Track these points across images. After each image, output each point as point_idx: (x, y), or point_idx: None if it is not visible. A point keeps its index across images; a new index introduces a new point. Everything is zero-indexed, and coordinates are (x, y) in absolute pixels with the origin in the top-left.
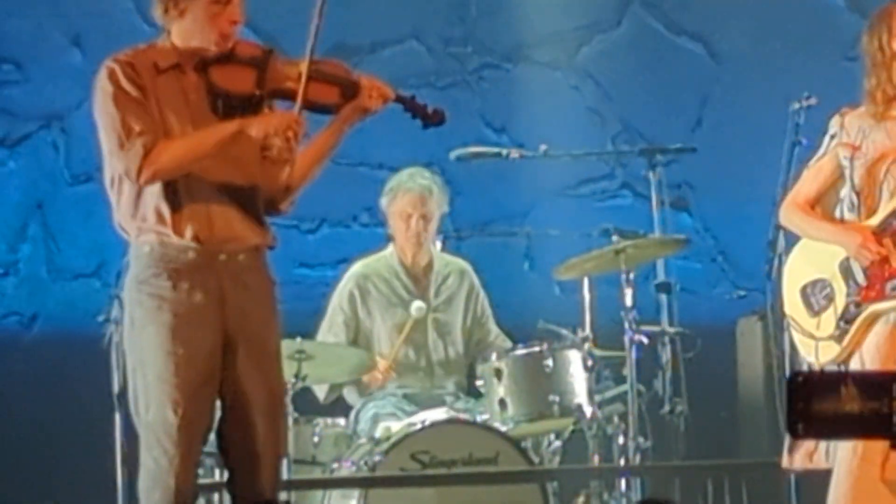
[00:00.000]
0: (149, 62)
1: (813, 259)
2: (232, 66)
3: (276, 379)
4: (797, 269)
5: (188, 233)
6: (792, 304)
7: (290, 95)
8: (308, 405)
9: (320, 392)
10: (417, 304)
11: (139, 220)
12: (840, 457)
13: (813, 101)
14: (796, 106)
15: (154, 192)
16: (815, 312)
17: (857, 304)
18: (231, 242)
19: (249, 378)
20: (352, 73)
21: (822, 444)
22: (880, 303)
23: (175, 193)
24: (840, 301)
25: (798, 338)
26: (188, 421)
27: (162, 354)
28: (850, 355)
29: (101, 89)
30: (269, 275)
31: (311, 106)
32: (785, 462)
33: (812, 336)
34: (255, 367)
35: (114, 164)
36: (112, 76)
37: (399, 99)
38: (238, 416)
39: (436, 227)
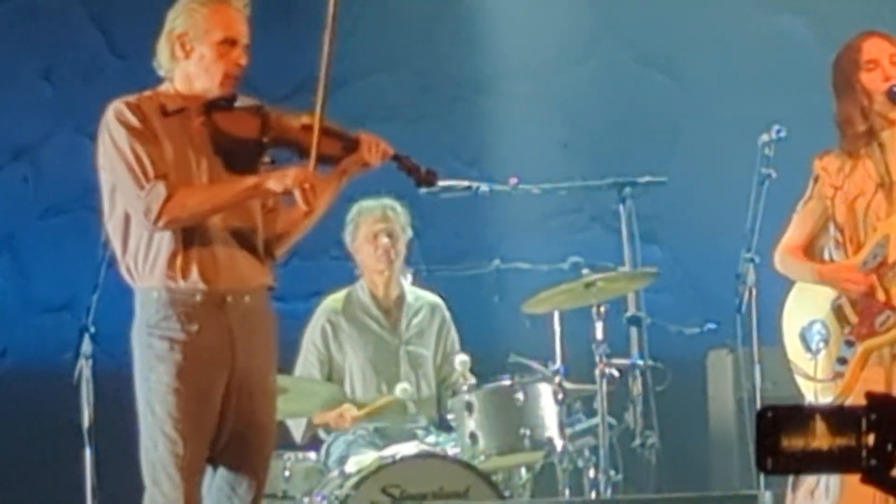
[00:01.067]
0: (155, 105)
1: (808, 301)
2: (237, 112)
3: (272, 418)
4: (794, 313)
5: (195, 276)
6: (792, 347)
7: (293, 145)
8: (279, 439)
9: (297, 432)
10: (402, 387)
11: (150, 263)
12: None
13: (782, 133)
14: (766, 138)
15: (162, 236)
16: (813, 355)
17: (851, 343)
18: (236, 284)
19: (248, 417)
20: (353, 131)
21: (823, 482)
22: (872, 339)
23: (181, 238)
24: (835, 341)
25: (799, 381)
26: (196, 456)
27: (172, 393)
28: (847, 396)
29: (113, 128)
30: (272, 314)
31: (318, 157)
32: (789, 499)
33: (812, 378)
34: (255, 406)
35: (131, 203)
36: (122, 116)
37: (396, 157)
38: (233, 453)
39: (403, 251)
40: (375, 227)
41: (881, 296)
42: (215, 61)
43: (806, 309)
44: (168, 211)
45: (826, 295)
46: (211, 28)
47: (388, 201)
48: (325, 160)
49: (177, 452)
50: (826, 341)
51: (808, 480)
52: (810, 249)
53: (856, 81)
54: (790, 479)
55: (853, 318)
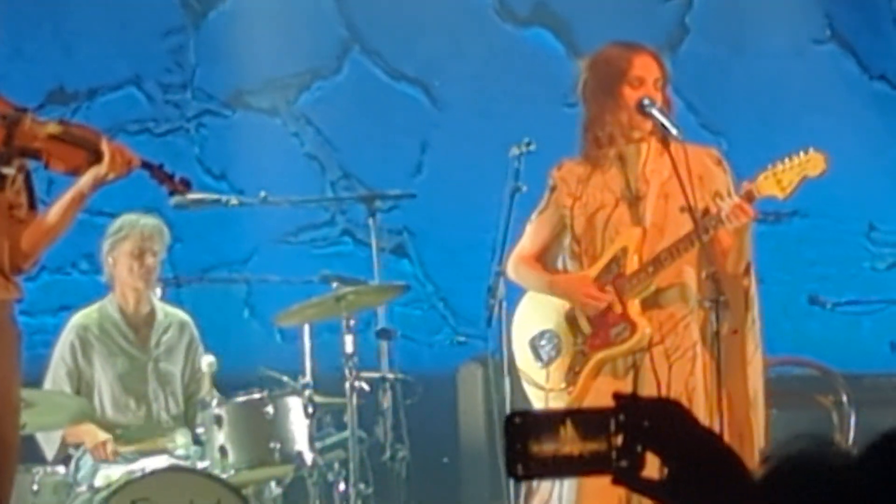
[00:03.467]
0: None
1: (540, 310)
2: None
3: (14, 433)
4: (525, 321)
5: None
6: (521, 356)
7: (36, 154)
8: (27, 453)
9: (48, 448)
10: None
11: None
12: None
13: (532, 146)
14: (516, 152)
15: None
16: (544, 364)
17: (584, 354)
18: None
19: None
20: (101, 138)
21: (556, 491)
22: (606, 350)
23: None
24: (567, 351)
25: (529, 389)
26: None
27: None
28: (579, 405)
29: None
30: (14, 327)
31: (55, 167)
32: None
33: (542, 388)
34: None
35: None
36: None
37: (148, 166)
38: None
39: (159, 268)
40: (142, 245)
41: (617, 307)
42: None
43: (538, 318)
44: None
45: (558, 304)
46: None
47: (152, 219)
48: (68, 171)
49: None
50: (558, 351)
51: (542, 491)
52: (543, 259)
53: (618, 94)
54: (522, 490)
55: (586, 329)
